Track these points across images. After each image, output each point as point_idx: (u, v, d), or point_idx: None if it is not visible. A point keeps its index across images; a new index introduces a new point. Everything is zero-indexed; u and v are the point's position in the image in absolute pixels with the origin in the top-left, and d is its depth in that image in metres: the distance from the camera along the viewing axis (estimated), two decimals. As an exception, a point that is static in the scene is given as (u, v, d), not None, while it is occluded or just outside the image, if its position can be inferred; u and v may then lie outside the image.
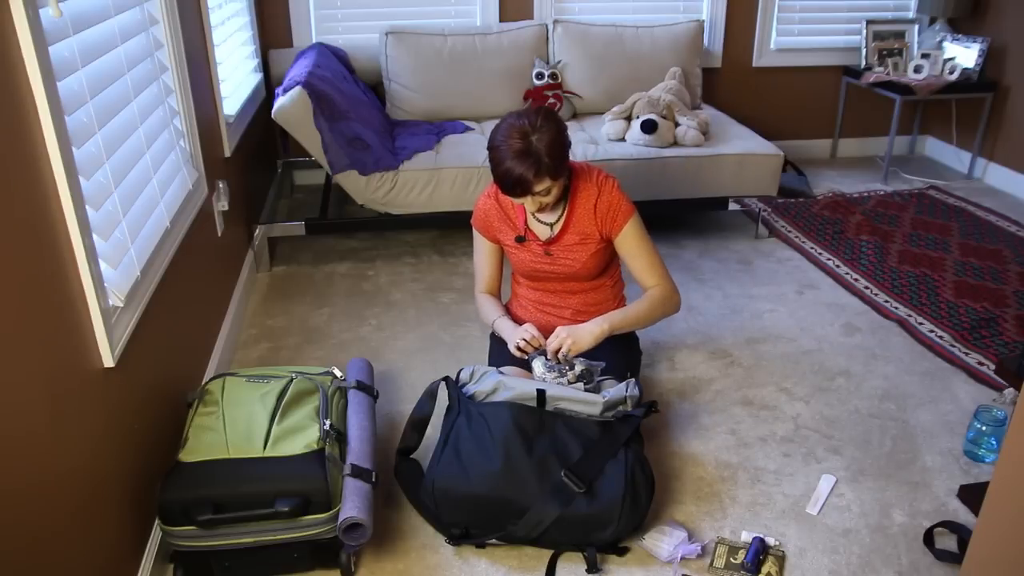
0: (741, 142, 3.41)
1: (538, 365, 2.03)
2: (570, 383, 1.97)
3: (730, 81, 4.31)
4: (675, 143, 3.35)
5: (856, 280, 3.11)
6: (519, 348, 2.06)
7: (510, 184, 1.94)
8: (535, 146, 1.90)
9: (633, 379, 1.98)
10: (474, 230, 2.25)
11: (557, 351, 2.00)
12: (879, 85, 4.12)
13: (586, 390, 1.94)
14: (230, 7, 3.18)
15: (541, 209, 2.07)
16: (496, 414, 1.86)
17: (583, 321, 2.15)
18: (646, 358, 2.54)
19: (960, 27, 4.27)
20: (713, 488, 2.02)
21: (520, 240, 2.16)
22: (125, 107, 1.80)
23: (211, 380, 1.91)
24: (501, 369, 2.05)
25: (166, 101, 2.14)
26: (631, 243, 2.12)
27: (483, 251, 2.26)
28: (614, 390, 1.93)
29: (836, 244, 3.41)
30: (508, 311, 2.28)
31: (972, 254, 3.31)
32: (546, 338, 2.21)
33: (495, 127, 2.00)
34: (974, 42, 4.09)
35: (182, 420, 1.88)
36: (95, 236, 1.53)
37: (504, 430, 1.81)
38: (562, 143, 1.96)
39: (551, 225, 2.13)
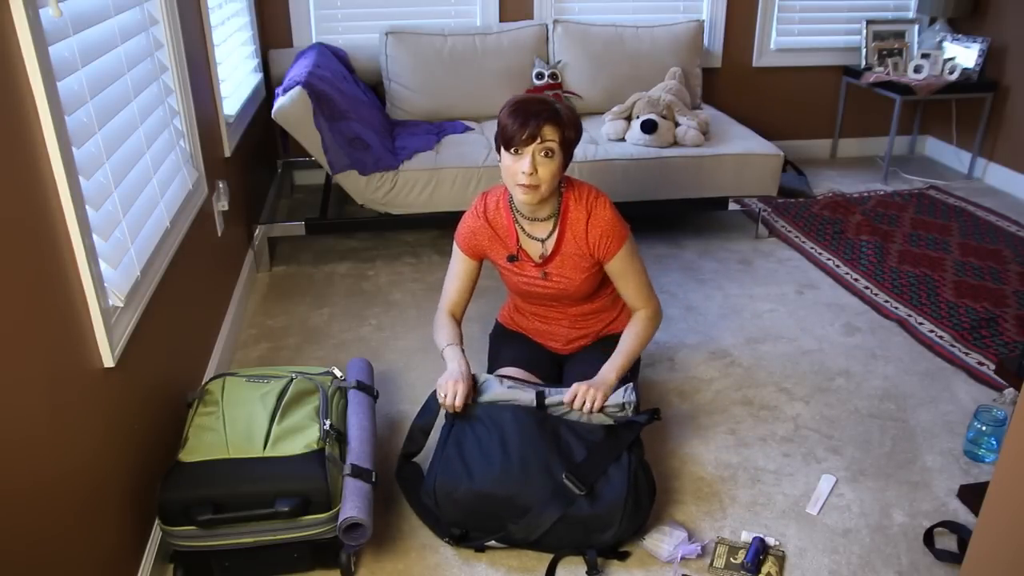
0: (741, 142, 3.41)
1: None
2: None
3: (730, 81, 4.31)
4: (675, 143, 3.35)
5: (856, 280, 3.11)
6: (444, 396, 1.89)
7: (522, 117, 1.83)
8: (555, 104, 1.89)
9: (631, 383, 1.95)
10: (455, 246, 2.09)
11: (581, 408, 1.89)
12: (879, 85, 4.12)
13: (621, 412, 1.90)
14: (230, 7, 3.18)
15: (530, 186, 1.86)
16: (498, 415, 1.85)
17: (583, 328, 2.15)
18: (646, 358, 2.53)
19: (960, 27, 4.27)
20: (713, 488, 2.02)
21: (512, 259, 2.06)
22: (125, 107, 1.80)
23: (211, 380, 1.91)
24: (501, 371, 2.04)
25: (166, 101, 2.14)
26: (621, 266, 2.03)
27: (458, 271, 2.10)
28: (612, 395, 1.92)
29: (836, 244, 3.41)
30: (460, 341, 2.04)
31: (972, 254, 3.31)
32: (535, 359, 2.17)
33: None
34: (974, 42, 4.09)
35: (182, 420, 1.88)
36: (95, 236, 1.53)
37: (506, 431, 1.81)
38: (577, 125, 1.92)
39: (543, 241, 2.03)
